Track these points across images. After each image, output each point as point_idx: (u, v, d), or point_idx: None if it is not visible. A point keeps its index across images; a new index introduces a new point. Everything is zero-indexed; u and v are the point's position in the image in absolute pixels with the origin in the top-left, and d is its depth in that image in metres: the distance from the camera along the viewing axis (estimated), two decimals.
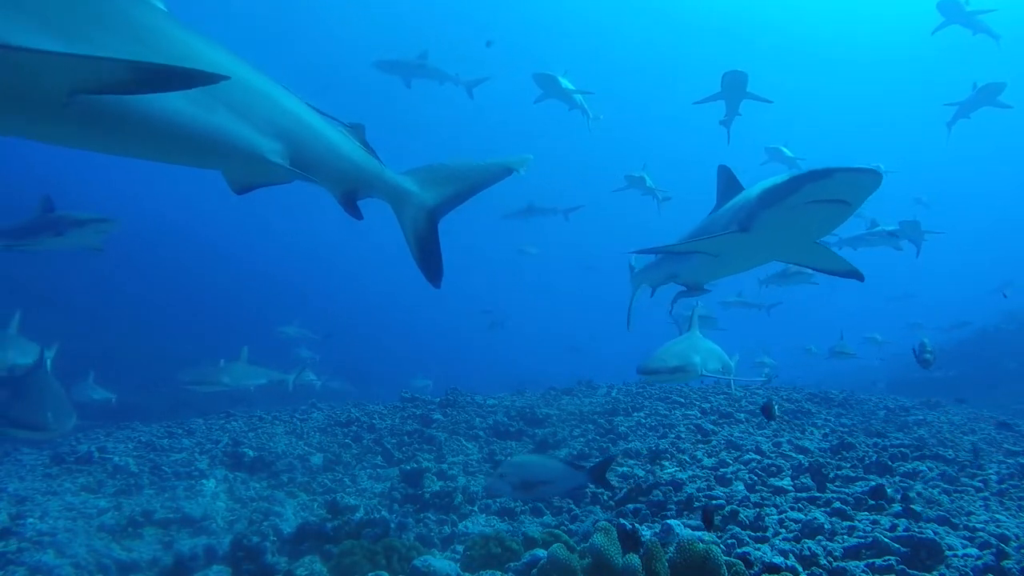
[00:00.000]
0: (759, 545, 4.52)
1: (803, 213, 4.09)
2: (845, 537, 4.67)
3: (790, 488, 5.91)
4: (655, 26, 43.31)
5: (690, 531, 4.68)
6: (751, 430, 8.38)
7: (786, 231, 4.40)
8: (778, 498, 5.62)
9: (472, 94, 15.15)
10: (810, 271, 12.06)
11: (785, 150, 15.02)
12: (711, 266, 5.46)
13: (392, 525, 6.01)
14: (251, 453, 8.69)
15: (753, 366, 14.04)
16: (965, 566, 4.20)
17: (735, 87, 10.38)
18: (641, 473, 6.69)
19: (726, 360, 6.80)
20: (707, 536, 4.65)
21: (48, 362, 8.94)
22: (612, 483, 6.32)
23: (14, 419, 5.03)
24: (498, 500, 6.69)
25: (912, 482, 6.27)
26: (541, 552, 4.15)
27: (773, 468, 6.47)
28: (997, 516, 5.34)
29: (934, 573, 4.16)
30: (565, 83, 12.80)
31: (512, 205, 19.19)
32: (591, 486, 5.32)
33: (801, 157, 14.51)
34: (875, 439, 8.22)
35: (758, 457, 6.87)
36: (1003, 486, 6.28)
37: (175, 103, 2.48)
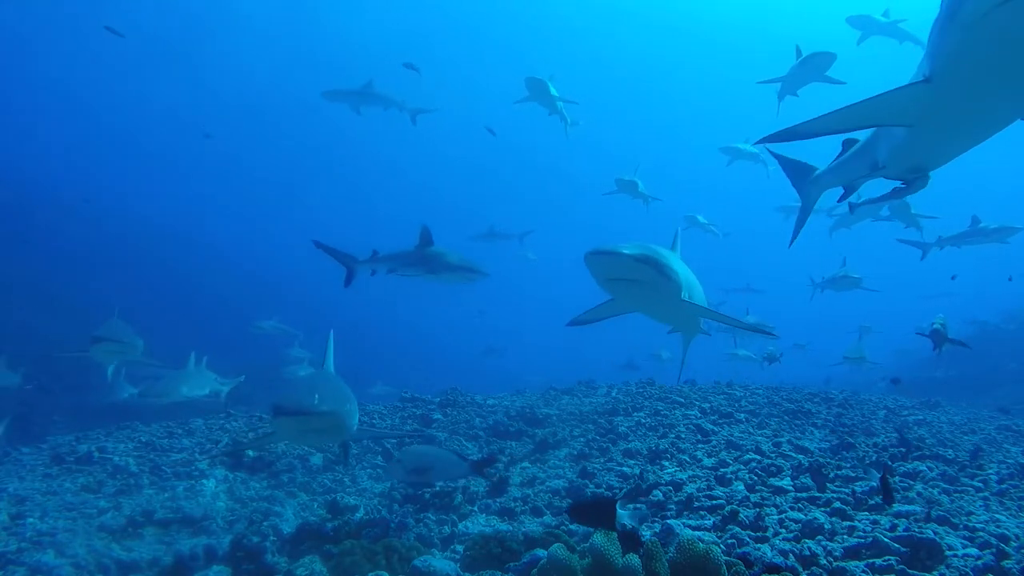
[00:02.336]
0: (759, 545, 4.52)
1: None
2: (845, 537, 4.68)
3: (790, 488, 5.91)
4: (644, 32, 43.33)
5: (690, 531, 4.69)
6: (751, 430, 8.38)
7: (992, 72, 2.57)
8: (778, 498, 5.63)
9: (415, 121, 15.68)
10: (857, 275, 11.72)
11: (744, 146, 15.17)
12: (921, 142, 3.61)
13: (392, 525, 6.01)
14: (251, 453, 8.67)
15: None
16: (965, 566, 4.21)
17: (816, 68, 10.37)
18: (641, 472, 6.69)
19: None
20: (707, 536, 4.66)
21: (224, 392, 9.36)
22: (492, 475, 7.07)
23: (275, 405, 4.89)
24: (497, 500, 6.71)
25: (912, 482, 6.28)
26: (541, 552, 4.14)
27: (773, 468, 6.47)
28: (997, 516, 5.35)
29: (934, 573, 4.16)
30: (553, 90, 13.10)
31: (478, 227, 21.28)
32: (473, 474, 5.89)
33: (760, 150, 14.69)
34: (875, 439, 8.22)
35: (758, 457, 6.87)
36: (1003, 486, 6.29)
37: None
